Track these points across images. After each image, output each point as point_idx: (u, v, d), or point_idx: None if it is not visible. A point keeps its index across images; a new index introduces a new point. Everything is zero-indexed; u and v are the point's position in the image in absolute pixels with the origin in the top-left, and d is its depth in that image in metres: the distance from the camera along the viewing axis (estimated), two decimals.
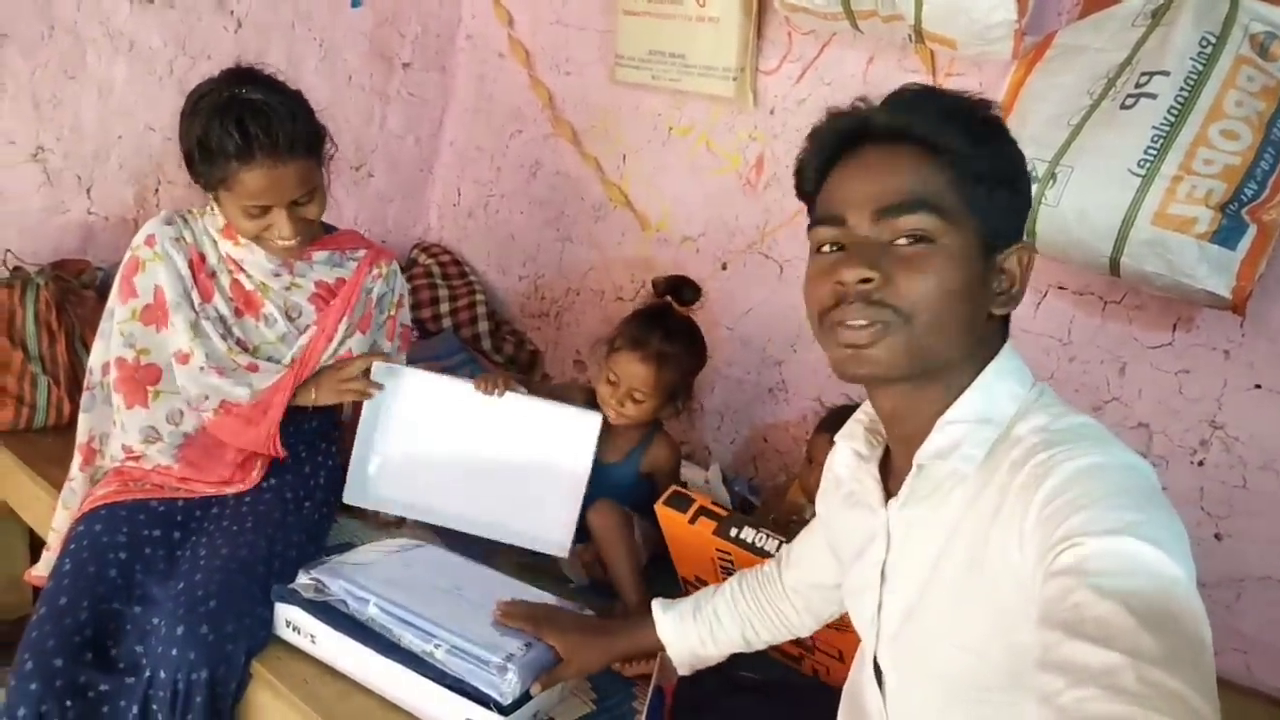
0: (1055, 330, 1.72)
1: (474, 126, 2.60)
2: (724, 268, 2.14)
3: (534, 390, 1.63)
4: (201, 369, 1.38)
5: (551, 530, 1.55)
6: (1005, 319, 0.82)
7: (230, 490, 1.42)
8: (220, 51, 2.07)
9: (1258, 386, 1.53)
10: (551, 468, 1.56)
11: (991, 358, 0.78)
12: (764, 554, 1.31)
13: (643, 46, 2.11)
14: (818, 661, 1.33)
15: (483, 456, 1.59)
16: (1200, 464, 1.60)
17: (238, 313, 1.45)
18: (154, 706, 1.15)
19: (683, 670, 1.19)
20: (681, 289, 1.62)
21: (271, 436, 1.41)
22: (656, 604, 1.18)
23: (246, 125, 1.27)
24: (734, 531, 1.34)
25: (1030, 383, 0.79)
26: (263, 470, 1.44)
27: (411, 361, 2.20)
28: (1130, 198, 1.38)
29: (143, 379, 1.40)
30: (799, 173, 0.85)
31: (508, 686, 1.14)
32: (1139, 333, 1.64)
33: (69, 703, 1.14)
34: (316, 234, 1.51)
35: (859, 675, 0.91)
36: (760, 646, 1.16)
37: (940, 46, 1.64)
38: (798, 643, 1.33)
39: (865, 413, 0.91)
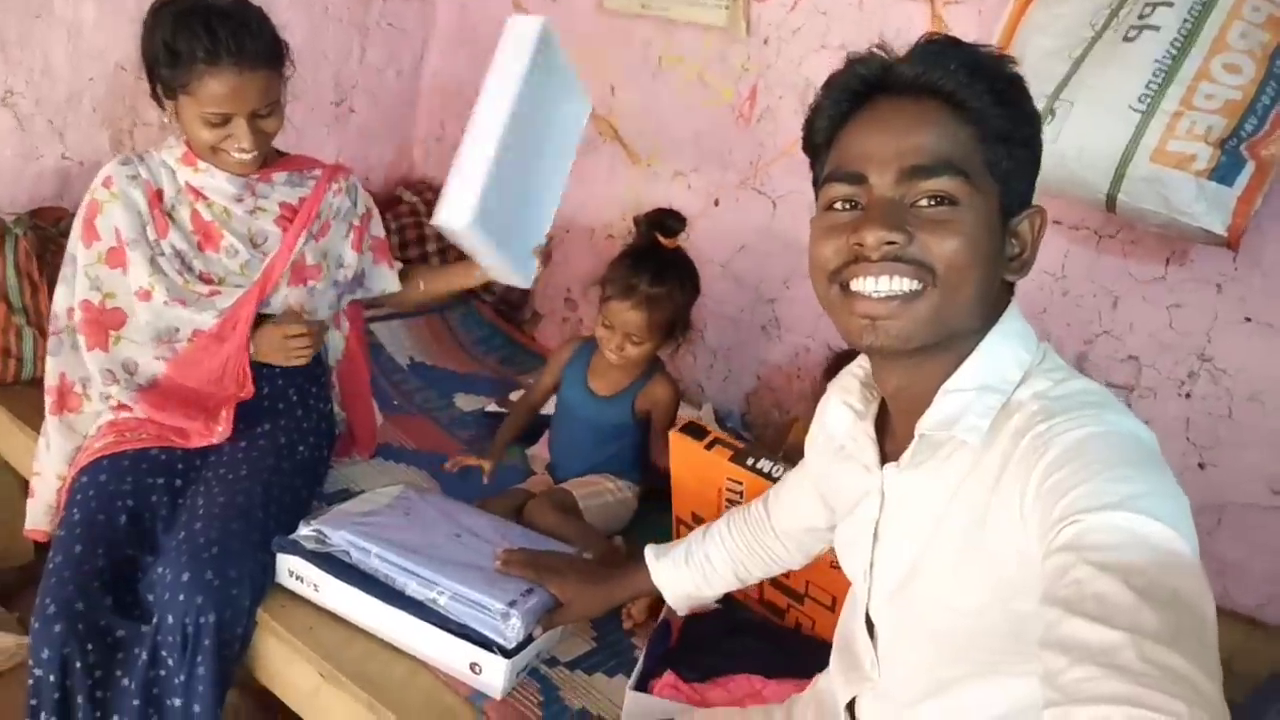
0: (1050, 265, 1.72)
1: (457, 58, 2.52)
2: (716, 203, 2.11)
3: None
4: (165, 303, 1.37)
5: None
6: (1011, 283, 0.80)
7: (204, 443, 1.40)
8: None
9: (1248, 320, 1.54)
10: None
11: (995, 321, 0.76)
12: (774, 479, 1.32)
13: None
14: (805, 612, 1.36)
15: None
16: (1188, 395, 1.62)
17: (199, 246, 1.42)
18: (163, 653, 1.18)
19: (681, 612, 1.22)
20: (665, 222, 1.59)
21: (241, 349, 1.40)
22: (649, 551, 1.20)
23: (215, 28, 1.28)
24: (750, 460, 1.36)
25: (1035, 345, 0.77)
26: (229, 420, 1.41)
27: (400, 301, 2.22)
28: (1129, 134, 1.35)
29: (106, 322, 1.39)
30: (810, 123, 0.81)
31: (511, 632, 1.16)
32: (1133, 267, 1.64)
33: (90, 645, 1.16)
34: (271, 156, 1.48)
35: (851, 622, 0.92)
36: (754, 581, 1.17)
37: None
38: (787, 592, 1.36)
39: (862, 366, 0.90)
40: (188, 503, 1.32)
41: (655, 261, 1.57)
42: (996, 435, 0.72)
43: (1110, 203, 1.40)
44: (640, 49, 2.15)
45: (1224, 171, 1.32)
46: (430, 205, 2.47)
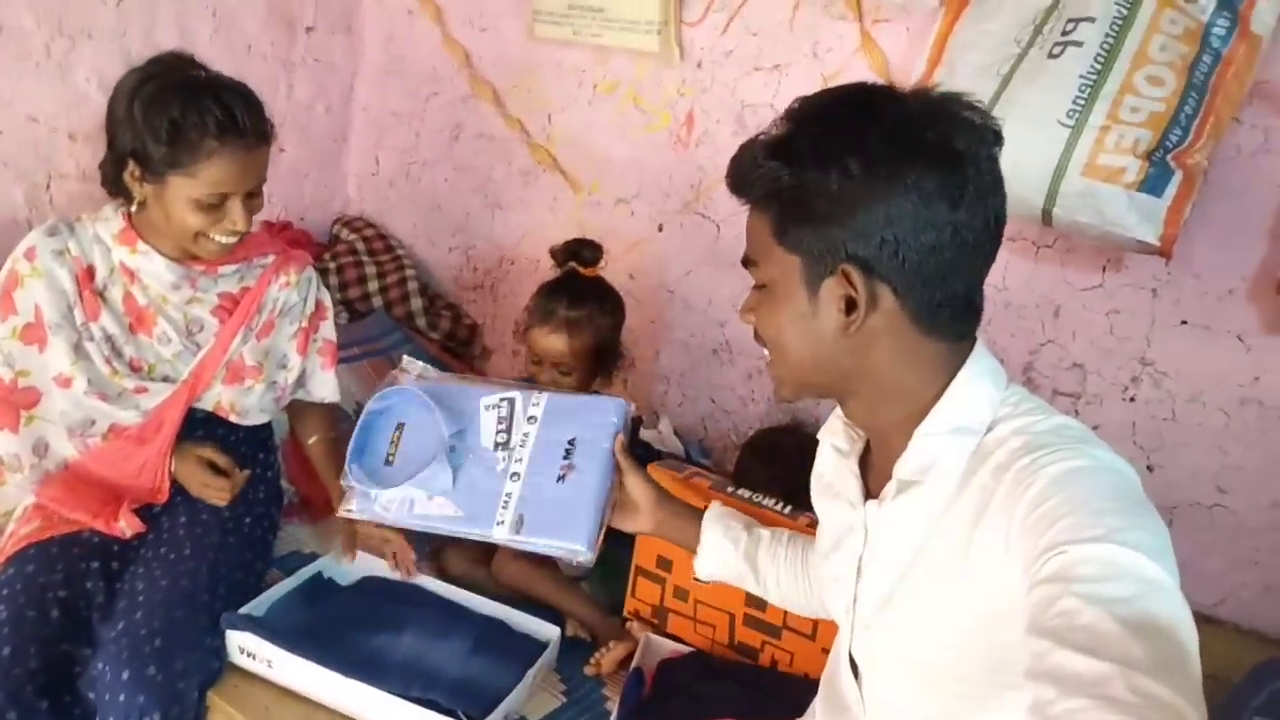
0: (991, 278, 1.68)
1: (388, 90, 2.46)
2: (660, 229, 2.10)
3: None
4: (85, 393, 1.30)
5: None
6: (965, 322, 0.79)
7: (110, 532, 1.31)
8: (102, 29, 1.91)
9: (1184, 323, 1.58)
10: None
11: (959, 363, 0.77)
12: (763, 508, 1.31)
13: (560, 0, 2.02)
14: (782, 646, 1.34)
15: None
16: (1132, 400, 1.65)
17: (130, 329, 1.35)
18: None
19: (702, 576, 1.13)
20: (580, 251, 1.61)
21: (163, 454, 1.33)
22: (712, 511, 1.11)
23: (230, 106, 1.23)
24: (730, 489, 1.35)
25: (1005, 384, 0.78)
26: (133, 520, 1.32)
27: (345, 345, 2.16)
28: (1060, 149, 1.38)
29: (17, 401, 1.30)
30: None
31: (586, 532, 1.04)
32: (1071, 276, 1.66)
33: None
34: None
35: (836, 663, 0.92)
36: (768, 598, 1.11)
37: None
38: (762, 628, 1.35)
39: None
40: (126, 588, 1.25)
41: (571, 288, 1.58)
42: (976, 470, 0.73)
43: (1046, 217, 1.42)
44: (574, 76, 2.13)
45: (1153, 183, 1.34)
46: (369, 243, 2.43)
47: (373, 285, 2.34)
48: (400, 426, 1.15)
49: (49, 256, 1.30)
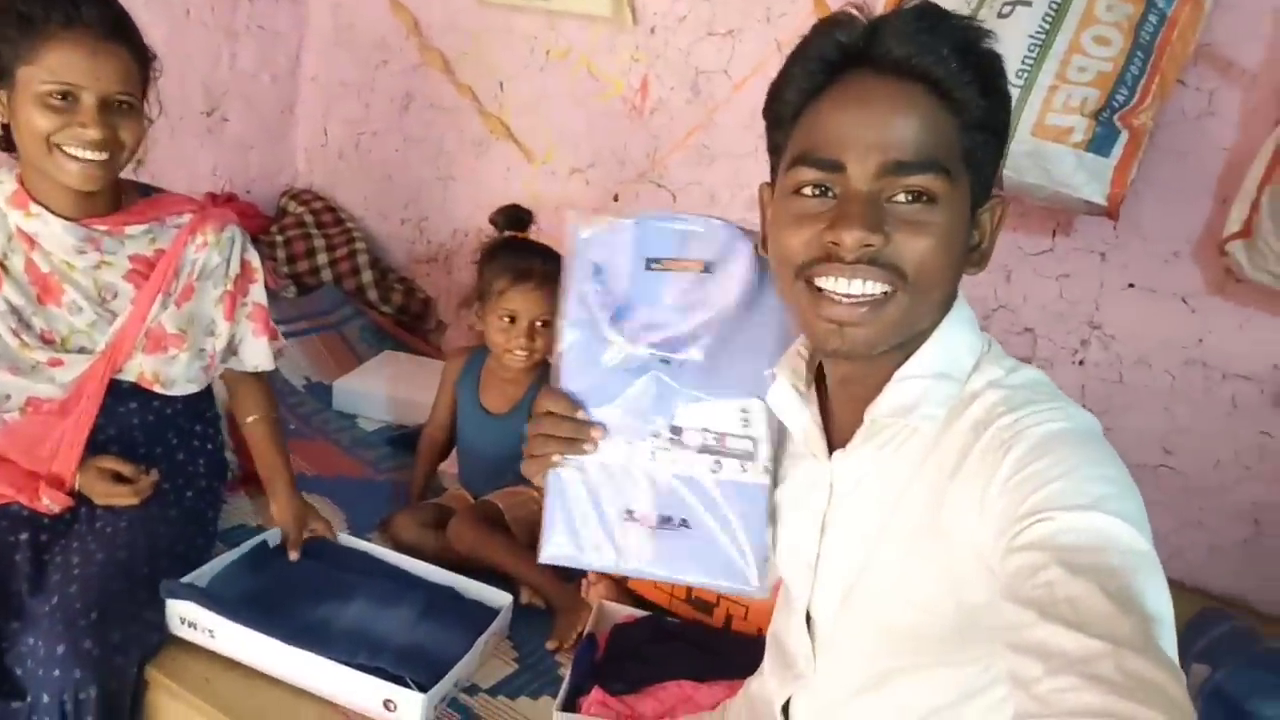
0: None
1: (336, 59, 2.40)
2: (615, 199, 2.07)
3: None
4: None
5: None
6: None
7: (35, 507, 1.25)
8: None
9: (1131, 286, 1.60)
10: None
11: (948, 309, 0.74)
12: None
13: None
14: (736, 600, 1.34)
15: None
16: (1081, 363, 1.67)
17: (38, 299, 1.25)
18: None
19: None
20: (520, 217, 1.61)
21: (80, 429, 1.26)
22: None
23: None
24: None
25: (980, 331, 0.75)
26: (60, 497, 1.25)
27: (294, 319, 2.11)
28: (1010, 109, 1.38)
29: None
30: (776, 93, 0.74)
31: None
32: (1022, 240, 1.68)
33: None
34: (130, 196, 1.32)
35: (786, 621, 0.89)
36: None
37: None
38: None
39: (806, 346, 0.83)
40: (59, 560, 1.20)
41: (532, 246, 1.56)
42: (952, 423, 0.70)
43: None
44: (526, 42, 2.10)
45: (1100, 143, 1.35)
46: (318, 216, 2.38)
47: (321, 259, 2.28)
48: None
49: None
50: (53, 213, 1.23)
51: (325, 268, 2.28)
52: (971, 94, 0.68)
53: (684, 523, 0.82)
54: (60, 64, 1.13)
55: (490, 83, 2.16)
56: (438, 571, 1.36)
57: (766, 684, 0.92)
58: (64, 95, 1.14)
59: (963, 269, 0.73)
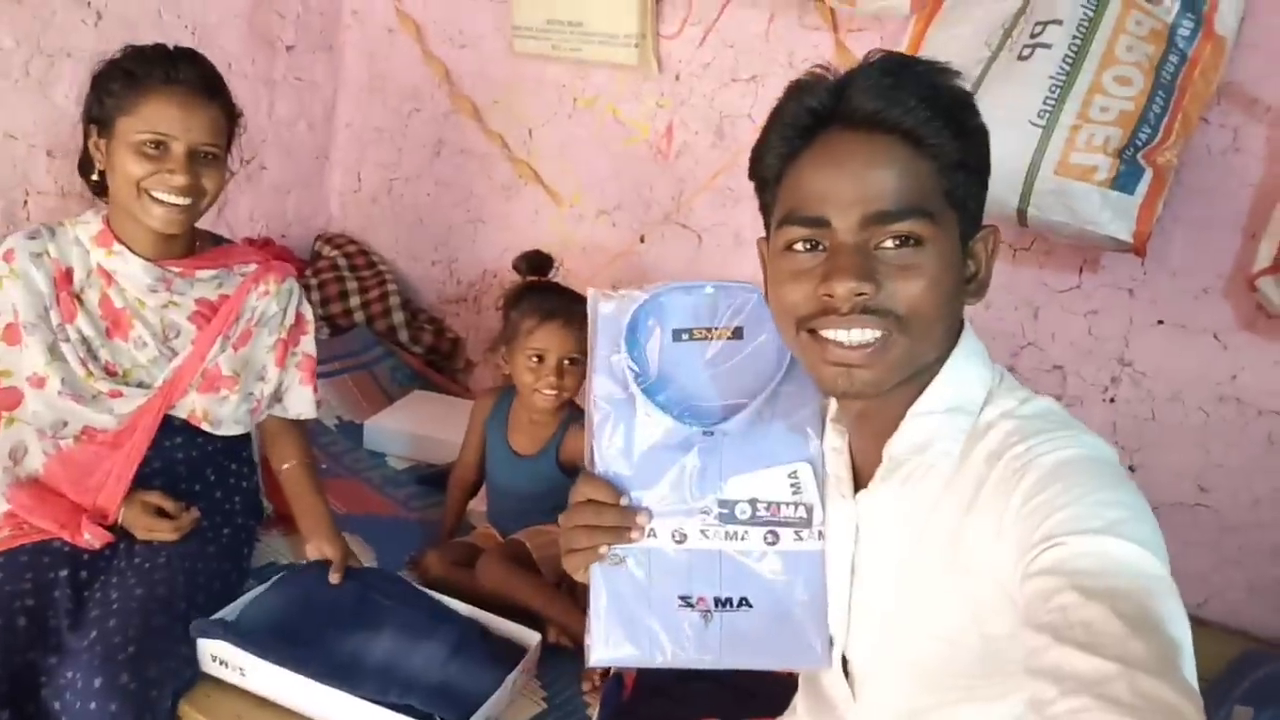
0: None
1: (369, 107, 2.48)
2: (642, 240, 2.10)
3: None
4: (58, 393, 1.28)
5: None
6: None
7: (77, 543, 1.28)
8: (81, 48, 1.91)
9: (1160, 322, 1.59)
10: None
11: (955, 342, 0.75)
12: None
13: (539, 15, 2.04)
14: None
15: None
16: (1111, 400, 1.66)
17: (107, 333, 1.33)
18: None
19: None
20: (542, 262, 1.63)
21: (130, 463, 1.31)
22: None
23: (176, 57, 1.27)
24: None
25: (990, 362, 0.77)
26: (99, 532, 1.29)
27: (326, 360, 2.14)
28: (1033, 149, 1.39)
29: (0, 402, 1.29)
30: (757, 157, 0.78)
31: None
32: (1049, 277, 1.68)
33: None
34: (205, 243, 1.41)
35: None
36: None
37: (840, 3, 1.62)
38: None
39: None
40: (98, 595, 1.23)
41: (556, 288, 1.59)
42: (968, 456, 0.71)
43: (1021, 217, 1.43)
44: (554, 90, 2.15)
45: (1124, 180, 1.36)
46: (351, 259, 2.43)
47: (354, 300, 2.33)
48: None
49: (26, 258, 1.30)
50: (133, 252, 1.33)
51: (358, 309, 2.33)
52: (944, 138, 0.70)
53: (744, 601, 0.78)
54: (156, 116, 1.24)
55: (520, 129, 2.22)
56: (466, 608, 1.37)
57: None
58: (157, 144, 1.25)
59: (962, 300, 0.75)
